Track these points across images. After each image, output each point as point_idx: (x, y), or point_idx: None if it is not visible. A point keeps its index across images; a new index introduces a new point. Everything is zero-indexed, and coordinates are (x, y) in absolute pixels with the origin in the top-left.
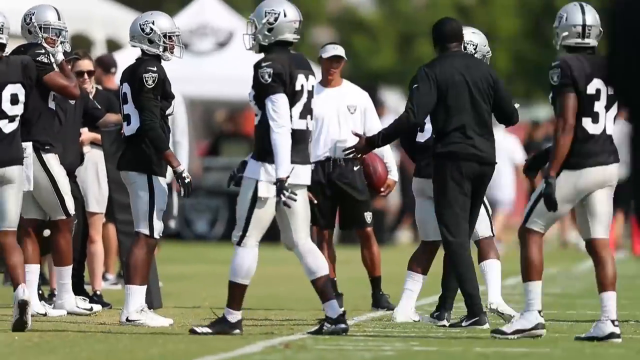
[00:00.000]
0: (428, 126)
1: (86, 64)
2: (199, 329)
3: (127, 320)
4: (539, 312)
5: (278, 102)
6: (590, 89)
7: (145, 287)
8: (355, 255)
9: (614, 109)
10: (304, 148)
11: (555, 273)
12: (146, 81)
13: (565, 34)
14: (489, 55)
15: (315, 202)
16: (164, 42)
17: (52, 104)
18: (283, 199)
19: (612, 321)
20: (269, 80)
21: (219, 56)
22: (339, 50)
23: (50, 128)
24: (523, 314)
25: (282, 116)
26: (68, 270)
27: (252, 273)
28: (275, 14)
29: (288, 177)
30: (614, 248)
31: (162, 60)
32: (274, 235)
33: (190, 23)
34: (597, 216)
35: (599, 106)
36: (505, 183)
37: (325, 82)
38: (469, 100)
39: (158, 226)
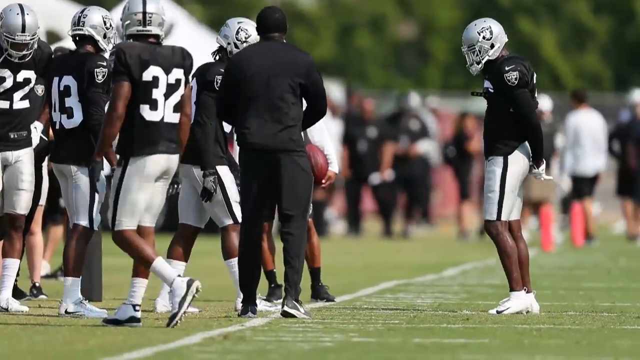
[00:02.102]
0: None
1: None
2: None
3: (66, 312)
4: (134, 306)
5: None
6: (147, 76)
7: (80, 278)
8: None
9: (175, 97)
10: None
11: (494, 264)
12: (97, 76)
13: (128, 22)
14: None
15: None
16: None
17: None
18: None
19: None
20: None
21: None
22: None
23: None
24: (122, 306)
25: None
26: None
27: None
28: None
29: None
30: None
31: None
32: (214, 227)
33: None
34: (151, 207)
35: (157, 93)
36: None
37: None
38: (264, 87)
39: (98, 218)
